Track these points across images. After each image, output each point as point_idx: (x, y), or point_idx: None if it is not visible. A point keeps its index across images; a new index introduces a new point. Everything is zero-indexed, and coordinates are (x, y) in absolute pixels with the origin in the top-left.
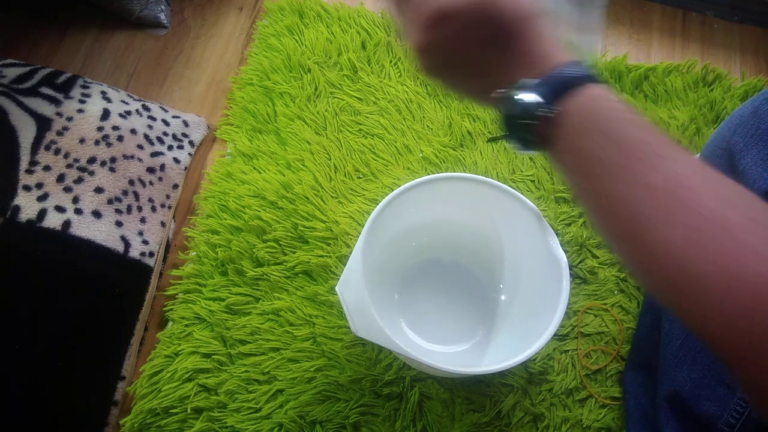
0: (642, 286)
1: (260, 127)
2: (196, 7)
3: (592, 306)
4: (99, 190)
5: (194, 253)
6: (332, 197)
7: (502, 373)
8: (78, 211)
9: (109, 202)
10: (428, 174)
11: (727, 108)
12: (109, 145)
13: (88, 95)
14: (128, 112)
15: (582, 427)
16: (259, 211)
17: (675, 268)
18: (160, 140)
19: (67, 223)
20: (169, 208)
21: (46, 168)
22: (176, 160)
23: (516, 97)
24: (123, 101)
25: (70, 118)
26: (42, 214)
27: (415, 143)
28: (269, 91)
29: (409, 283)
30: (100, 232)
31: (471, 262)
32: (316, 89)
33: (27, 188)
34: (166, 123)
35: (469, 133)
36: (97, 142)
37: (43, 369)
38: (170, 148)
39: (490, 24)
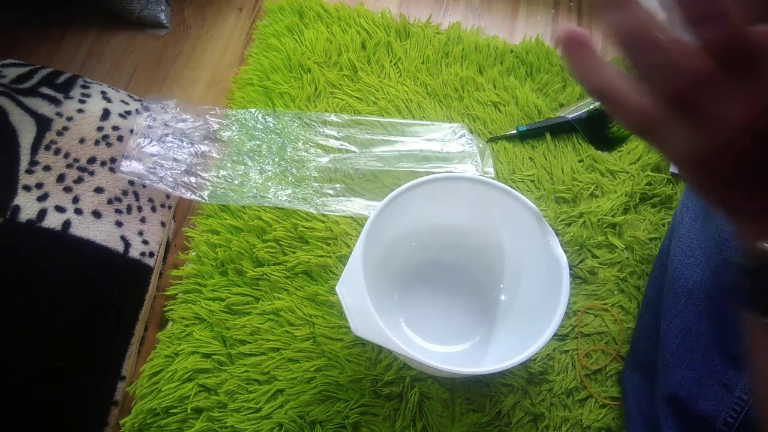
0: None
1: None
2: (196, 7)
3: (592, 306)
4: (99, 190)
5: (194, 253)
6: (332, 197)
7: (502, 373)
8: (78, 211)
9: (109, 202)
10: (428, 174)
11: None
12: (109, 145)
13: (88, 95)
14: (128, 112)
15: (582, 427)
16: (259, 211)
17: None
18: None
19: (67, 223)
20: (169, 208)
21: (46, 168)
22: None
23: None
24: (123, 101)
25: (70, 118)
26: (42, 214)
27: None
28: (269, 91)
29: (409, 283)
30: (100, 232)
31: (471, 262)
32: (316, 89)
33: (27, 188)
34: None
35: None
36: (97, 142)
37: (43, 369)
38: None
39: None
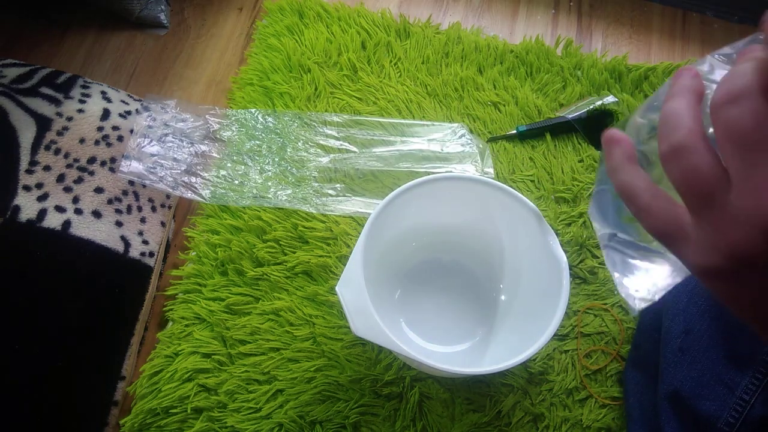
0: None
1: None
2: (196, 7)
3: (592, 306)
4: (99, 190)
5: (194, 253)
6: (332, 197)
7: (502, 373)
8: (78, 211)
9: (109, 202)
10: (428, 174)
11: None
12: (109, 145)
13: (88, 95)
14: (128, 112)
15: (582, 427)
16: (259, 211)
17: None
18: None
19: (67, 223)
20: (169, 208)
21: (46, 168)
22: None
23: None
24: (123, 101)
25: (70, 118)
26: (42, 214)
27: None
28: (269, 91)
29: (408, 283)
30: (100, 232)
31: (471, 262)
32: (316, 89)
33: (27, 188)
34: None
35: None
36: (97, 142)
37: (43, 369)
38: None
39: None
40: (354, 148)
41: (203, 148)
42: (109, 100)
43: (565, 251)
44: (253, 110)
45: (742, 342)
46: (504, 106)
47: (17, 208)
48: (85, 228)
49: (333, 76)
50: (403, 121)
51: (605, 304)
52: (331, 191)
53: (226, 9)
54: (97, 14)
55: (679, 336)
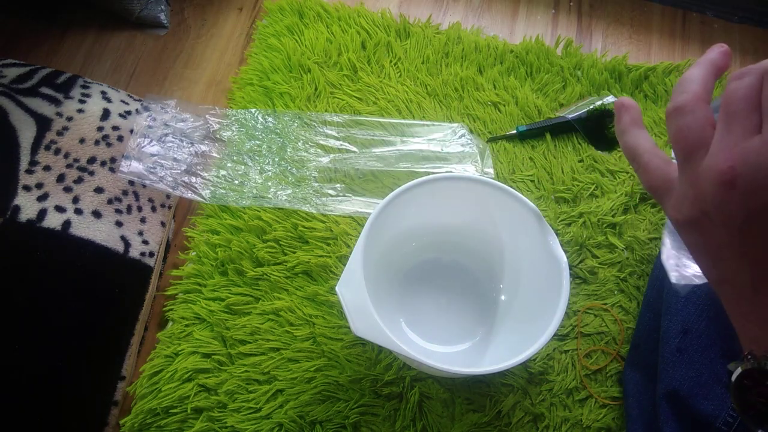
0: None
1: None
2: (196, 7)
3: (592, 306)
4: (99, 190)
5: (194, 253)
6: (332, 197)
7: (502, 373)
8: (78, 211)
9: (109, 202)
10: (428, 174)
11: None
12: (109, 145)
13: (88, 95)
14: (128, 112)
15: (582, 427)
16: (259, 211)
17: None
18: None
19: (67, 223)
20: (169, 208)
21: (46, 168)
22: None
23: None
24: (123, 101)
25: (70, 118)
26: (42, 214)
27: None
28: (269, 91)
29: (409, 283)
30: (100, 232)
31: (471, 262)
32: (316, 89)
33: (27, 188)
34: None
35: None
36: (97, 142)
37: (43, 369)
38: None
39: None
40: (354, 148)
41: (203, 148)
42: (109, 100)
43: (565, 251)
44: (253, 110)
45: (739, 342)
46: (504, 106)
47: (17, 208)
48: (85, 228)
49: (333, 76)
50: (403, 121)
51: (605, 304)
52: (331, 191)
53: (226, 9)
54: (97, 14)
55: (678, 336)
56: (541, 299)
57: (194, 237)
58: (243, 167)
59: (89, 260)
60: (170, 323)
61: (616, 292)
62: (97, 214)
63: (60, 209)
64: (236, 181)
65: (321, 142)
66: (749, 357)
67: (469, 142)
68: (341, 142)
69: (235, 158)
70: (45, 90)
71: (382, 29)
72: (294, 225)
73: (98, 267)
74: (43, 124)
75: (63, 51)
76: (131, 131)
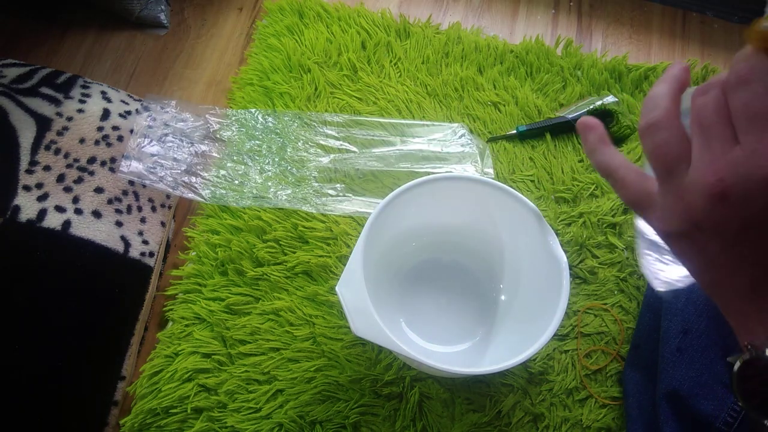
0: None
1: None
2: (196, 7)
3: (592, 306)
4: (99, 190)
5: (194, 253)
6: (332, 197)
7: (502, 373)
8: (78, 211)
9: (109, 202)
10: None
11: None
12: (109, 145)
13: (88, 95)
14: (128, 112)
15: (582, 427)
16: (259, 211)
17: None
18: None
19: (67, 223)
20: (169, 208)
21: (46, 168)
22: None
23: None
24: (123, 101)
25: (70, 118)
26: (42, 214)
27: None
28: (269, 91)
29: (409, 283)
30: (100, 232)
31: (471, 262)
32: (316, 89)
33: (27, 188)
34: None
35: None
36: (97, 142)
37: (43, 369)
38: None
39: None
40: (354, 148)
41: (203, 148)
42: (109, 100)
43: (565, 251)
44: (253, 110)
45: (738, 336)
46: (504, 106)
47: (17, 208)
48: (85, 228)
49: (333, 76)
50: (403, 121)
51: (605, 304)
52: (331, 191)
53: (226, 9)
54: (97, 14)
55: (678, 336)
56: (541, 299)
57: (194, 237)
58: (243, 167)
59: (89, 260)
60: (170, 323)
61: (616, 292)
62: (97, 214)
63: (60, 209)
64: (236, 181)
65: (321, 142)
66: (749, 347)
67: (469, 142)
68: (341, 142)
69: (235, 158)
70: (45, 90)
71: (382, 29)
72: (294, 225)
73: (98, 267)
74: (43, 124)
75: (63, 51)
76: (131, 131)
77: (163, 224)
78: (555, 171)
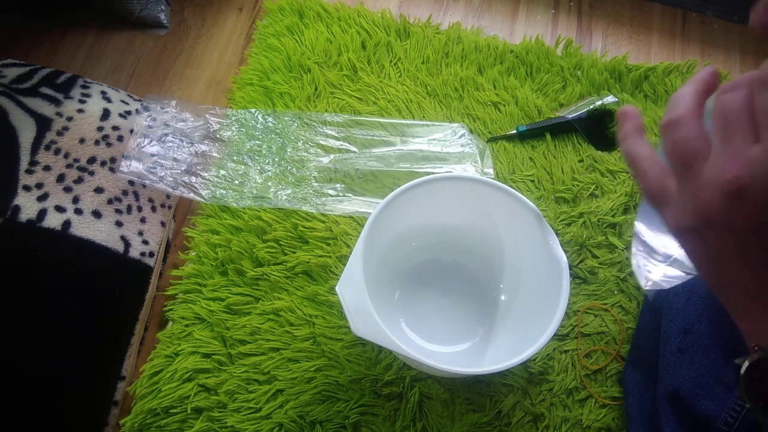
0: None
1: None
2: (196, 7)
3: (592, 306)
4: (99, 190)
5: (194, 253)
6: (332, 197)
7: (502, 373)
8: (78, 211)
9: (109, 202)
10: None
11: None
12: (109, 145)
13: (88, 95)
14: (128, 112)
15: (582, 427)
16: (259, 211)
17: None
18: None
19: (67, 223)
20: (169, 208)
21: (46, 168)
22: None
23: None
24: (123, 101)
25: (70, 118)
26: (42, 214)
27: None
28: (269, 91)
29: (409, 283)
30: (100, 232)
31: (471, 262)
32: (316, 89)
33: (27, 188)
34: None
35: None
36: (97, 142)
37: (43, 369)
38: None
39: None
40: (354, 148)
41: (203, 148)
42: (109, 100)
43: (565, 251)
44: (253, 110)
45: (740, 342)
46: (504, 106)
47: (17, 208)
48: (85, 228)
49: (333, 76)
50: (403, 121)
51: (605, 304)
52: (331, 191)
53: (226, 9)
54: (97, 14)
55: (678, 336)
56: (541, 299)
57: (194, 237)
58: (243, 167)
59: (89, 260)
60: (170, 323)
61: (616, 292)
62: (97, 214)
63: (60, 209)
64: (236, 181)
65: (321, 142)
66: (756, 348)
67: (469, 142)
68: (341, 142)
69: (235, 158)
70: (45, 90)
71: (382, 29)
72: (294, 225)
73: (98, 267)
74: (43, 124)
75: (63, 51)
76: (131, 131)
77: (163, 224)
78: (555, 171)
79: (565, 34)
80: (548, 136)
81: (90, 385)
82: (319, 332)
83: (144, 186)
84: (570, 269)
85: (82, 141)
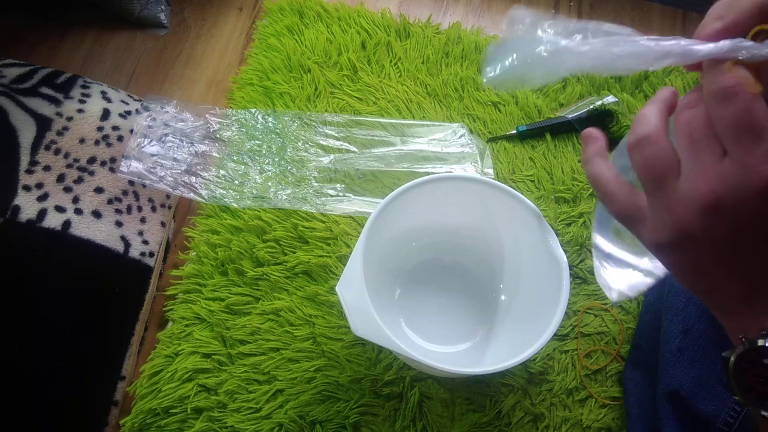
0: None
1: None
2: (196, 7)
3: (592, 306)
4: (99, 190)
5: (194, 253)
6: (332, 197)
7: (502, 373)
8: (78, 211)
9: (109, 202)
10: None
11: None
12: (109, 145)
13: (88, 95)
14: (128, 112)
15: (582, 427)
16: (259, 211)
17: None
18: None
19: (67, 223)
20: (169, 208)
21: (46, 168)
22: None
23: None
24: (123, 101)
25: (70, 118)
26: (42, 214)
27: None
28: (269, 91)
29: (409, 283)
30: (100, 232)
31: (471, 262)
32: (316, 89)
33: (27, 188)
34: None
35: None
36: (97, 142)
37: (43, 369)
38: None
39: None
40: (354, 149)
41: (203, 148)
42: (109, 100)
43: (565, 251)
44: (253, 110)
45: (729, 334)
46: (504, 106)
47: (17, 208)
48: (85, 228)
49: (333, 76)
50: (403, 121)
51: (605, 304)
52: (331, 191)
53: (226, 9)
54: (97, 14)
55: (678, 336)
56: (541, 299)
57: (194, 237)
58: (243, 167)
59: (89, 260)
60: (170, 323)
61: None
62: (97, 214)
63: (60, 209)
64: (236, 181)
65: (321, 142)
66: (743, 340)
67: (469, 142)
68: (341, 142)
69: (235, 158)
70: (45, 90)
71: (382, 29)
72: (294, 225)
73: (98, 267)
74: (43, 124)
75: (63, 51)
76: (131, 131)
77: (163, 224)
78: (555, 171)
79: None
80: (548, 136)
81: (90, 385)
82: (319, 332)
83: (144, 186)
84: (570, 269)
85: (82, 141)
